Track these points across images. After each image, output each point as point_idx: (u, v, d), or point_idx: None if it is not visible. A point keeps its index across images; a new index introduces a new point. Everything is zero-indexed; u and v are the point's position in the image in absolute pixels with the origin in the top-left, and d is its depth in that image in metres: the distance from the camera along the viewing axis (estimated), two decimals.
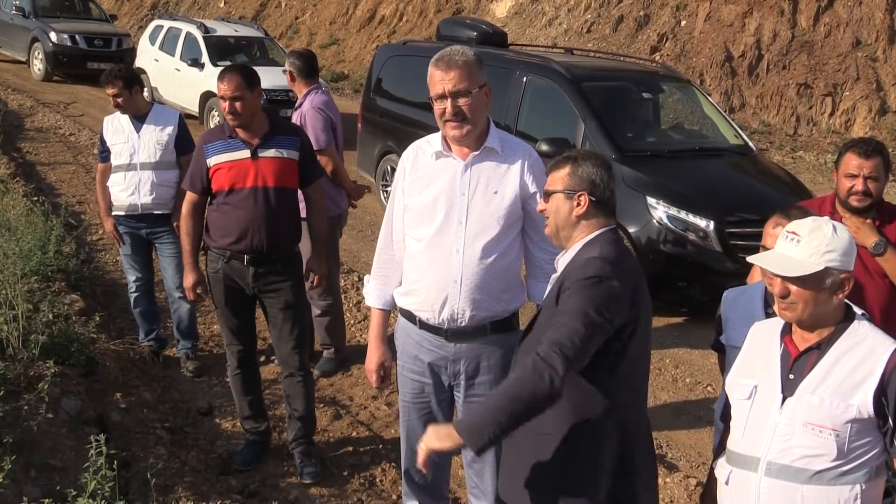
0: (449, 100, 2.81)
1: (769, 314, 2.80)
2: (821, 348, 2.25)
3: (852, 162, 3.37)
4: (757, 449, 2.30)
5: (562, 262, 2.52)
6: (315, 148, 4.50)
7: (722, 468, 2.44)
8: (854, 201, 3.38)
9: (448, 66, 2.80)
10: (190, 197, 4.05)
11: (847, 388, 2.19)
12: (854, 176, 3.36)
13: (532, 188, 2.94)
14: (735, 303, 2.97)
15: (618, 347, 2.37)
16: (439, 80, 2.81)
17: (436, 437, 2.29)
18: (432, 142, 3.01)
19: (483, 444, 2.24)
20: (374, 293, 3.19)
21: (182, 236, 4.11)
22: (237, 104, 3.81)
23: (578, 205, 2.46)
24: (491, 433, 2.22)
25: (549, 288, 2.55)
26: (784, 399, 2.27)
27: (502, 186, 2.93)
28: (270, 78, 9.45)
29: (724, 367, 3.07)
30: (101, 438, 3.15)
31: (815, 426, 2.20)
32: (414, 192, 3.00)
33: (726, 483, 2.41)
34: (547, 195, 2.53)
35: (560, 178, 2.49)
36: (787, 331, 2.35)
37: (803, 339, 2.29)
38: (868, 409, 2.16)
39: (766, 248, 2.72)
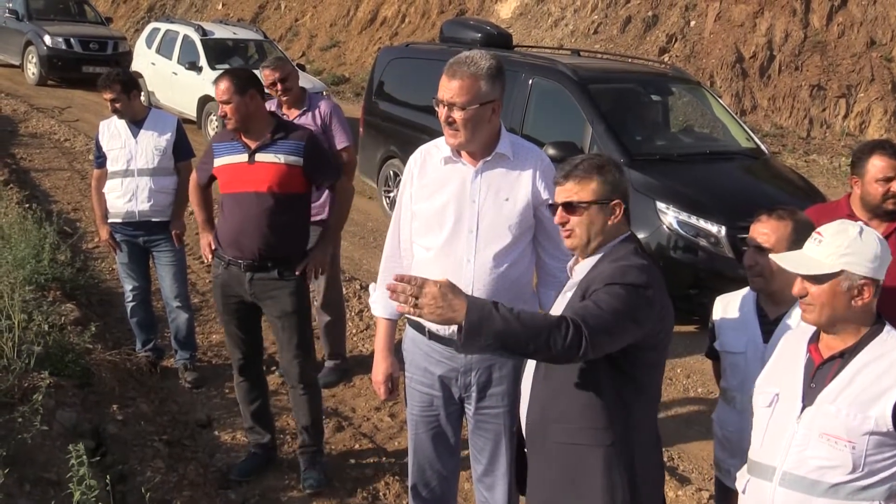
0: (444, 108, 2.75)
1: (763, 319, 2.79)
2: (844, 357, 2.21)
3: (882, 164, 3.25)
4: (774, 458, 2.26)
5: (578, 269, 2.45)
6: (346, 144, 4.90)
7: (741, 476, 2.42)
8: (892, 205, 3.25)
9: (453, 74, 2.73)
10: (195, 178, 4.22)
11: (866, 399, 2.14)
12: (889, 178, 3.25)
13: (544, 195, 2.85)
14: (727, 308, 2.95)
15: (650, 357, 2.34)
16: (442, 85, 2.75)
17: (444, 299, 2.07)
18: (441, 146, 2.92)
19: (474, 336, 2.06)
20: (380, 302, 3.10)
21: (193, 207, 4.34)
22: (226, 108, 3.79)
23: (614, 214, 2.41)
24: (490, 334, 2.06)
25: (566, 296, 2.46)
26: (803, 408, 2.22)
27: (514, 193, 2.85)
28: None
29: (718, 374, 3.06)
30: (81, 448, 3.06)
31: (830, 437, 2.16)
32: (422, 198, 2.92)
33: (743, 492, 2.38)
34: (575, 208, 2.40)
35: (590, 188, 2.39)
36: (814, 338, 2.31)
37: (828, 348, 2.25)
38: (887, 422, 2.11)
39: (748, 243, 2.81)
